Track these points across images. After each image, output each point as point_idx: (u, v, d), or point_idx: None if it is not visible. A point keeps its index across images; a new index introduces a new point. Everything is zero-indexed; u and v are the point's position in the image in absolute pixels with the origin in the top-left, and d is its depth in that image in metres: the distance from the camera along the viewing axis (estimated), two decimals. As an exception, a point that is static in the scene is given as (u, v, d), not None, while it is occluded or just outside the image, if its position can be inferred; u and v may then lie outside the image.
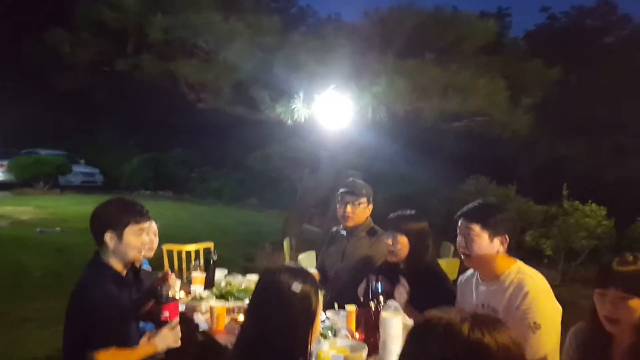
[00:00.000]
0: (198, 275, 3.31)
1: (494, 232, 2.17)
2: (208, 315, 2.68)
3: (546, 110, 8.27)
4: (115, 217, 2.34)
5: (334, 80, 5.06)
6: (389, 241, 2.72)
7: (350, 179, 3.53)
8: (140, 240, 2.33)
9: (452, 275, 4.37)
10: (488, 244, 2.17)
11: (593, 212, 7.19)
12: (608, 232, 7.23)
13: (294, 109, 5.06)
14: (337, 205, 3.34)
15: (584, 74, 11.40)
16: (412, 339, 1.05)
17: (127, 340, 2.29)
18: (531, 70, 6.45)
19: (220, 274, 3.49)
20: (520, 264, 2.22)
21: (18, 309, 5.63)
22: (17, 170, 17.86)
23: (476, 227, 2.17)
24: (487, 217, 2.18)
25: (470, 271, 2.41)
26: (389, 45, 5.99)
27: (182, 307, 2.73)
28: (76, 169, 19.58)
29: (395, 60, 5.41)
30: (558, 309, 2.08)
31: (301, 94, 5.09)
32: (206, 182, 18.54)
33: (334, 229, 3.53)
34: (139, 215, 2.36)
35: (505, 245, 2.19)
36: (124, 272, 2.40)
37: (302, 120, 5.16)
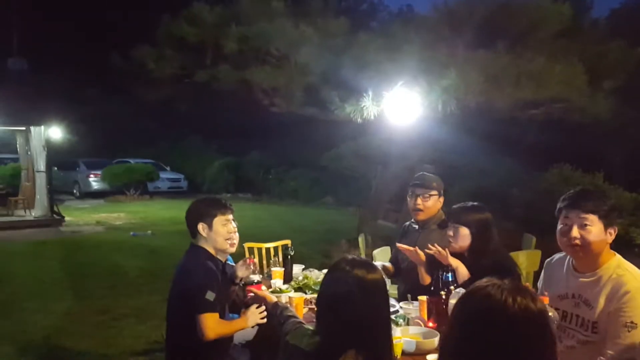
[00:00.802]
0: (277, 270, 3.52)
1: (607, 223, 2.10)
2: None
3: (634, 92, 7.82)
4: (205, 210, 2.82)
5: (402, 76, 5.09)
6: (450, 232, 2.76)
7: (421, 172, 3.58)
8: (226, 229, 2.79)
9: (533, 267, 4.28)
10: (603, 235, 2.11)
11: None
12: None
13: (363, 107, 5.15)
14: (408, 199, 3.40)
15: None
16: (456, 307, 1.12)
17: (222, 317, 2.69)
18: (612, 52, 6.14)
19: (297, 269, 3.70)
20: (619, 258, 2.14)
21: (117, 306, 6.11)
22: (110, 178, 19.16)
23: (593, 217, 2.09)
24: (601, 207, 2.10)
25: (560, 255, 2.33)
26: (459, 37, 5.92)
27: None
28: (163, 175, 20.70)
29: (465, 51, 5.35)
30: None
31: (370, 92, 5.17)
32: (283, 183, 19.00)
33: (407, 223, 3.59)
34: (224, 207, 2.84)
35: (614, 236, 2.13)
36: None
37: (372, 117, 5.25)
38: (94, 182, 19.81)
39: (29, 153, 13.83)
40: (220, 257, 2.81)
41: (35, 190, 13.42)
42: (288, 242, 4.50)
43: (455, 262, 2.72)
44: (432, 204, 3.33)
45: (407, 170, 7.35)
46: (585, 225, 2.09)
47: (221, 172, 20.88)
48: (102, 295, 6.64)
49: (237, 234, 2.88)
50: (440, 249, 2.79)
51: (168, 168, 21.86)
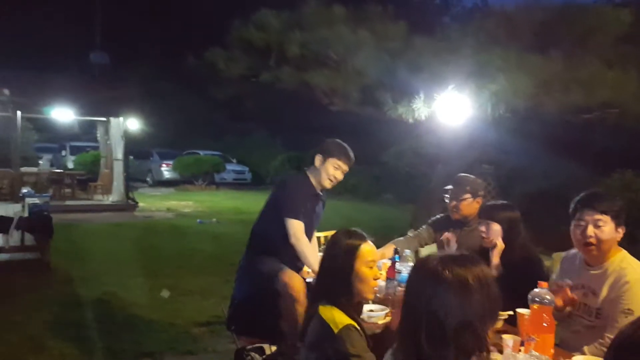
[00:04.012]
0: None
1: (618, 222, 2.34)
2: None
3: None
4: (330, 148, 3.33)
5: (454, 79, 5.33)
6: (483, 228, 3.02)
7: (461, 174, 3.82)
8: (334, 173, 3.29)
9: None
10: (614, 233, 2.34)
11: None
12: None
13: (415, 108, 5.43)
14: (445, 199, 3.67)
15: None
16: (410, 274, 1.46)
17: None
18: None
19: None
20: (624, 253, 2.40)
21: (183, 284, 6.72)
22: (180, 168, 20.26)
23: (606, 218, 2.32)
24: (613, 207, 2.34)
25: (573, 251, 2.59)
26: (514, 41, 6.05)
27: (311, 279, 3.31)
28: (229, 167, 21.61)
29: (518, 56, 5.50)
30: None
31: (422, 94, 5.44)
32: (343, 179, 19.36)
33: (444, 215, 3.84)
34: (345, 157, 3.32)
35: (622, 234, 2.36)
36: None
37: (423, 118, 5.51)
38: (166, 172, 21.00)
39: (108, 142, 14.96)
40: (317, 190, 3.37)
41: (112, 177, 14.51)
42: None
43: (495, 258, 2.93)
44: (466, 205, 3.54)
45: (464, 169, 7.52)
46: (599, 225, 2.32)
47: (284, 166, 21.53)
48: (171, 274, 7.28)
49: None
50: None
51: (234, 160, 22.77)
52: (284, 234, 3.15)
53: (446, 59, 5.66)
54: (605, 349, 2.18)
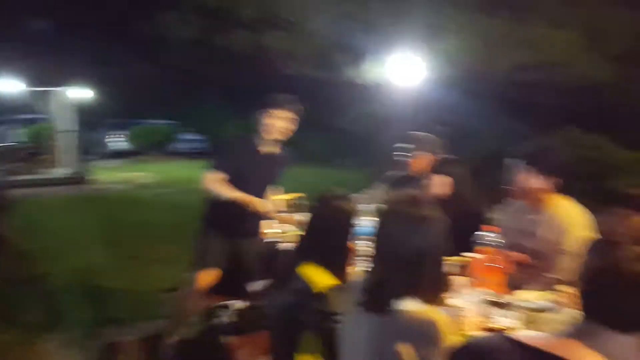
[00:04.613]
0: (287, 216, 3.97)
1: (543, 172, 2.52)
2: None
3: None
4: (265, 102, 3.43)
5: (407, 40, 5.41)
6: (432, 181, 3.19)
7: (416, 132, 3.94)
8: (274, 123, 3.32)
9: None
10: (537, 181, 2.53)
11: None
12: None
13: (370, 71, 5.50)
14: (402, 156, 3.79)
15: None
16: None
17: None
18: (615, 19, 6.33)
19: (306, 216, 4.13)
20: (564, 201, 2.59)
21: (145, 253, 6.71)
22: (133, 139, 19.80)
23: (528, 166, 2.53)
24: (539, 158, 2.53)
25: (518, 201, 2.78)
26: (464, 2, 6.17)
27: (273, 239, 3.40)
28: (184, 136, 21.23)
29: (468, 17, 5.63)
30: (586, 238, 2.42)
31: (377, 56, 5.51)
32: (299, 144, 19.32)
33: (400, 173, 3.98)
34: (279, 105, 3.37)
35: (552, 184, 2.55)
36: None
37: (380, 81, 5.60)
38: (119, 143, 20.46)
39: (56, 114, 14.43)
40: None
41: (61, 149, 14.06)
42: (302, 194, 4.95)
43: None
44: (419, 161, 3.69)
45: (418, 130, 7.68)
46: (528, 174, 2.54)
47: (239, 132, 21.27)
48: (131, 244, 7.23)
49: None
50: None
51: (189, 129, 22.37)
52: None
53: (399, 19, 5.74)
54: (543, 286, 2.38)
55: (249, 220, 3.28)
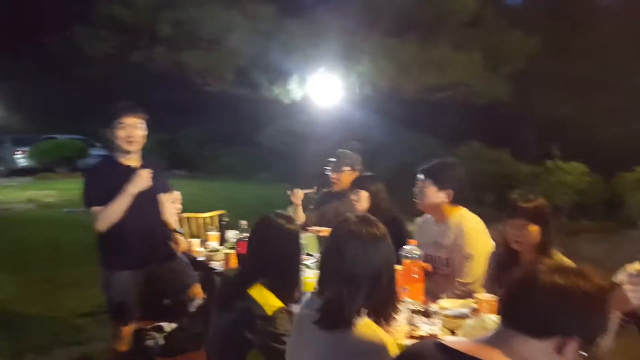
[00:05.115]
0: (213, 234, 4.01)
1: (440, 185, 2.72)
2: (223, 261, 3.38)
3: (538, 74, 8.71)
4: (107, 117, 3.04)
5: (325, 61, 5.65)
6: (354, 197, 3.38)
7: (339, 150, 4.12)
8: (120, 133, 2.97)
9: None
10: (436, 195, 2.74)
11: (573, 169, 7.77)
12: (593, 188, 7.80)
13: (289, 89, 5.67)
14: (327, 172, 3.95)
15: (578, 35, 11.65)
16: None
17: None
18: (510, 41, 6.95)
19: (232, 233, 4.18)
20: (463, 211, 2.84)
21: (59, 275, 6.37)
22: (39, 155, 18.62)
23: (428, 182, 2.69)
24: (436, 174, 2.71)
25: (428, 215, 3.02)
26: (376, 24, 6.51)
27: (202, 258, 3.44)
28: (94, 152, 20.28)
29: (379, 39, 5.95)
30: (488, 244, 2.67)
31: (295, 76, 5.69)
32: (218, 160, 19.10)
33: (325, 190, 4.14)
34: (118, 113, 3.00)
35: (450, 197, 2.80)
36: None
37: (298, 99, 5.79)
38: (21, 159, 19.19)
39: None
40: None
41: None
42: (223, 211, 4.99)
43: None
44: (345, 176, 3.86)
45: (335, 147, 7.91)
46: (423, 187, 2.67)
47: (155, 149, 20.48)
48: (43, 267, 6.83)
49: (179, 205, 3.30)
50: None
51: (99, 145, 21.45)
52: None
53: (316, 41, 5.96)
54: (457, 292, 2.62)
55: (155, 243, 2.99)
